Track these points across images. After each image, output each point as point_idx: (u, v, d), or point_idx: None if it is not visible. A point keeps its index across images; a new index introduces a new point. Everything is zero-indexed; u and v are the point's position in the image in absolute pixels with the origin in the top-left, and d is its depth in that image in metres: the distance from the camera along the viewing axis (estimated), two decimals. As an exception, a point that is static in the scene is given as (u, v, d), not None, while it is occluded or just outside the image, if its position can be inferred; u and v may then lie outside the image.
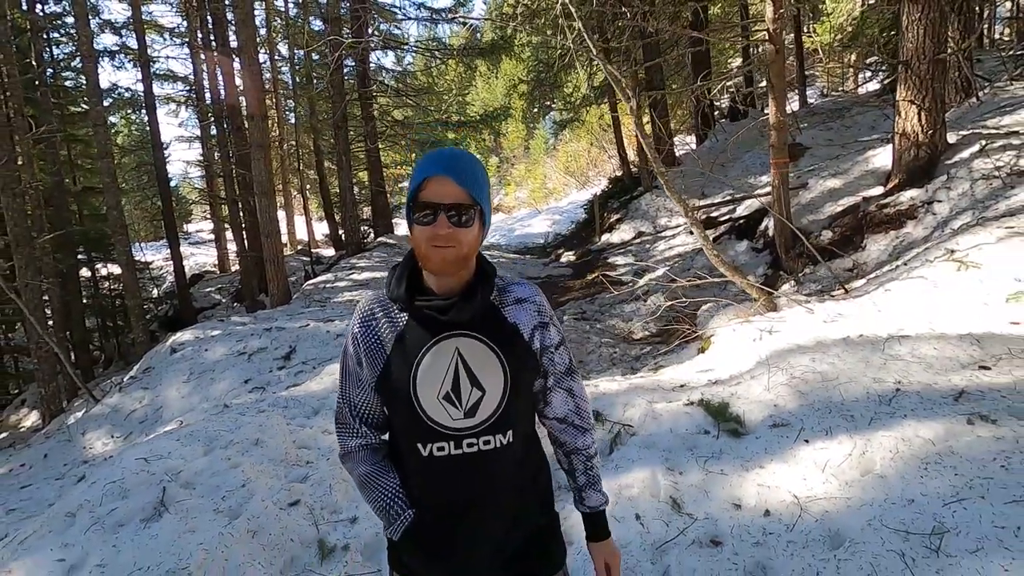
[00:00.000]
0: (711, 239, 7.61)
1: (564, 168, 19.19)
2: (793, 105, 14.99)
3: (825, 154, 8.82)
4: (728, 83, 14.33)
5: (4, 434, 10.64)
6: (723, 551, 2.11)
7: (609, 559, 1.20)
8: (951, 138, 5.65)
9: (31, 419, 10.83)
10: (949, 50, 5.78)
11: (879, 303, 3.64)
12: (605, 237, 10.40)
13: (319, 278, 9.70)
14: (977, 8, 8.43)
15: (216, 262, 16.95)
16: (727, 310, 4.77)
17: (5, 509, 3.64)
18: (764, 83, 16.74)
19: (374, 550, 2.19)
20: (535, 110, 22.03)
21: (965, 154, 5.28)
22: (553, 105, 19.76)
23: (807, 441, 2.50)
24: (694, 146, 14.36)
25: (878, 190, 5.86)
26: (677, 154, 15.66)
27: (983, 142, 5.29)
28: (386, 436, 1.16)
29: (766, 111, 14.55)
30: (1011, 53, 8.71)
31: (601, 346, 5.65)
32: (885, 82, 11.09)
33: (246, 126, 9.89)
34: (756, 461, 2.52)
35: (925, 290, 3.60)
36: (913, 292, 3.64)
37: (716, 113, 14.94)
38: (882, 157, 6.39)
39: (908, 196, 5.33)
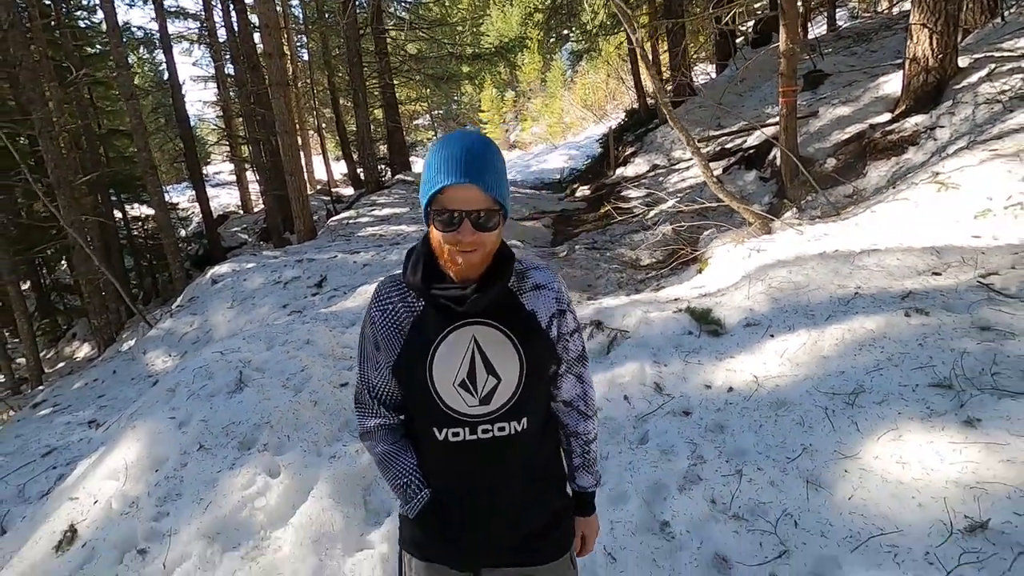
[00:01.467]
0: (723, 169, 7.84)
1: (582, 101, 18.95)
2: (820, 28, 14.48)
3: (846, 80, 8.75)
4: (754, 6, 13.82)
5: (62, 363, 11.72)
6: (691, 418, 2.63)
7: (587, 530, 1.27)
8: (963, 62, 5.70)
9: (83, 350, 11.87)
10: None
11: (861, 223, 3.98)
12: (620, 171, 10.59)
13: (342, 215, 10.19)
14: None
15: (239, 203, 17.52)
16: (726, 234, 5.14)
17: (97, 407, 4.37)
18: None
19: (410, 418, 2.77)
20: (552, 40, 21.48)
21: (974, 78, 5.38)
22: (571, 34, 19.26)
23: (772, 336, 2.96)
24: (714, 75, 14.11)
25: (886, 117, 6.00)
26: (700, 83, 15.38)
27: (992, 66, 5.37)
28: (403, 416, 1.19)
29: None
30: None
31: (609, 272, 6.10)
32: (916, 1, 10.66)
33: (263, 64, 10.11)
34: (728, 353, 3.00)
35: (906, 210, 3.93)
36: (895, 212, 3.96)
37: (740, 40, 14.52)
38: (894, 83, 6.45)
39: (912, 122, 5.49)
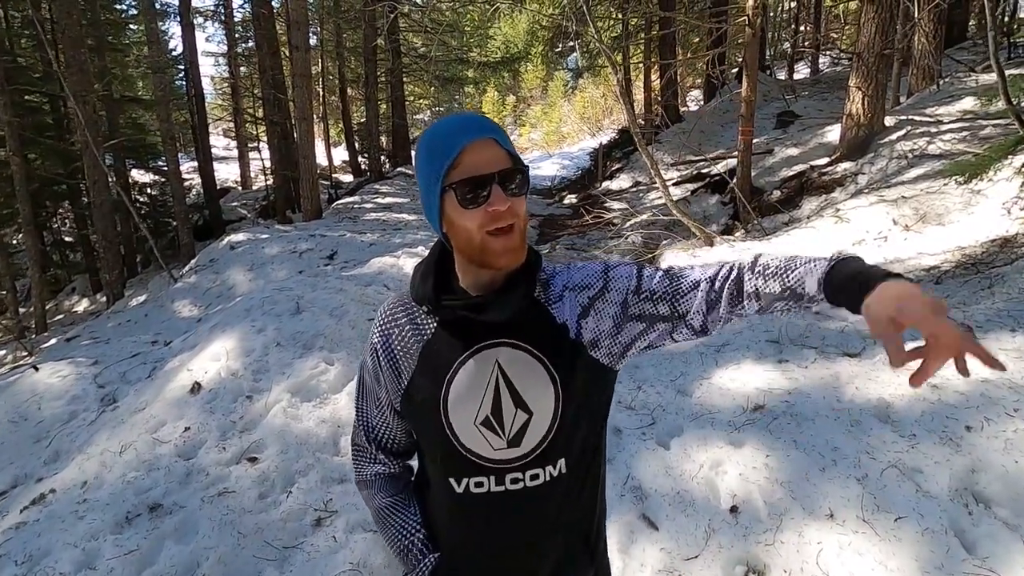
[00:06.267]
0: (692, 192, 9.15)
1: (580, 114, 20.32)
2: (805, 71, 16.03)
3: (811, 124, 10.18)
4: (739, 44, 15.29)
5: (60, 316, 12.61)
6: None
7: (881, 304, 0.66)
8: (890, 121, 7.08)
9: (82, 304, 12.77)
10: (901, 44, 7.11)
11: (774, 241, 5.28)
12: (605, 184, 11.90)
13: (346, 199, 11.32)
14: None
15: (238, 178, 18.48)
16: (679, 244, 6.42)
17: (152, 334, 5.46)
18: (785, 45, 17.54)
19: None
20: (557, 50, 22.90)
21: (894, 136, 6.74)
22: (575, 46, 20.67)
23: (686, 313, 4.20)
24: (703, 102, 15.52)
25: (824, 160, 7.35)
26: (691, 108, 16.79)
27: (909, 127, 6.74)
28: (410, 461, 1.07)
29: (777, 75, 15.49)
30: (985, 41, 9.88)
31: (582, 269, 7.34)
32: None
33: (286, 54, 11.21)
34: (654, 324, 4.23)
35: (810, 235, 5.22)
36: (803, 235, 5.26)
37: (736, 70, 16.02)
38: (835, 133, 7.82)
39: (842, 168, 6.84)
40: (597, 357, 0.92)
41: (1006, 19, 10.13)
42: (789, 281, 0.82)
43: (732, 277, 0.88)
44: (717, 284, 0.89)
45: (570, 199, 12.20)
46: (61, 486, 2.64)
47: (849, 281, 0.74)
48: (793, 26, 16.75)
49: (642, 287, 0.93)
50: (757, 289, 0.85)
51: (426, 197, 0.87)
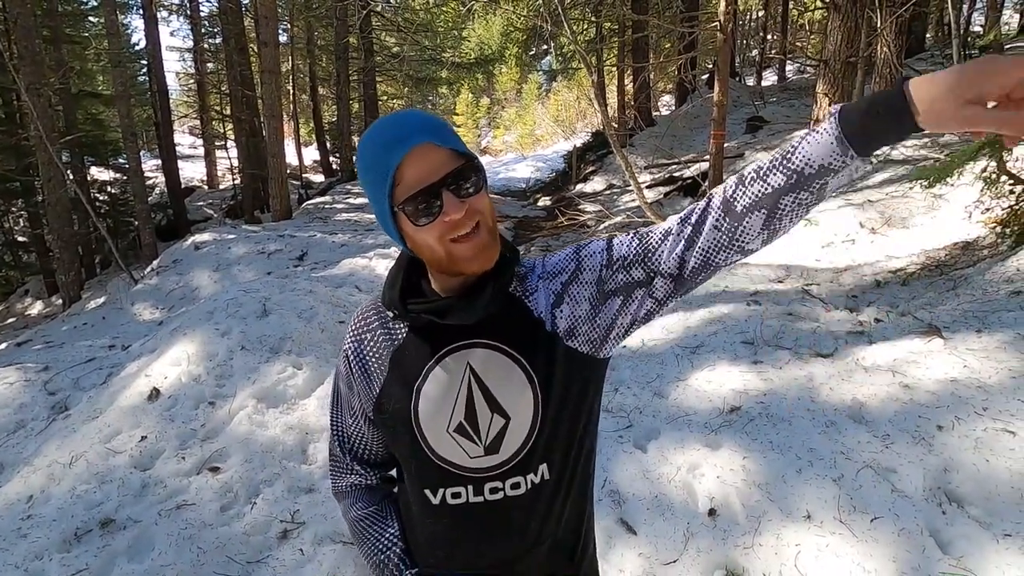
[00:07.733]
0: (665, 194, 9.23)
1: (554, 117, 20.38)
2: (772, 78, 16.40)
3: (780, 129, 10.39)
4: (710, 49, 15.54)
5: (12, 319, 12.02)
6: (594, 363, 3.82)
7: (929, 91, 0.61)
8: (855, 127, 7.24)
9: (36, 307, 12.19)
10: (865, 53, 7.29)
11: (747, 244, 5.32)
12: (579, 186, 11.92)
13: (317, 199, 11.09)
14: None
15: (204, 177, 17.95)
16: (652, 246, 6.44)
17: (109, 338, 5.20)
18: (753, 52, 17.89)
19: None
20: (531, 52, 22.93)
21: (859, 142, 6.90)
22: (549, 49, 20.72)
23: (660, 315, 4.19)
24: (675, 106, 15.71)
25: (793, 165, 7.48)
26: (663, 112, 16.99)
27: (873, 133, 6.91)
28: (390, 471, 1.03)
29: (746, 80, 15.83)
30: (944, 54, 10.25)
31: (557, 271, 7.32)
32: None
33: (254, 50, 10.92)
34: (629, 326, 4.21)
35: (781, 238, 5.28)
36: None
37: (706, 76, 16.29)
38: (804, 137, 7.98)
39: (810, 171, 6.97)
40: (575, 346, 0.86)
41: (961, 32, 10.52)
42: (794, 164, 0.72)
43: (714, 205, 0.79)
44: (694, 218, 0.80)
45: (544, 201, 12.18)
46: (4, 501, 2.46)
47: (871, 115, 0.66)
48: (761, 34, 17.12)
49: (614, 257, 0.87)
50: (756, 196, 0.75)
51: (381, 219, 0.82)
